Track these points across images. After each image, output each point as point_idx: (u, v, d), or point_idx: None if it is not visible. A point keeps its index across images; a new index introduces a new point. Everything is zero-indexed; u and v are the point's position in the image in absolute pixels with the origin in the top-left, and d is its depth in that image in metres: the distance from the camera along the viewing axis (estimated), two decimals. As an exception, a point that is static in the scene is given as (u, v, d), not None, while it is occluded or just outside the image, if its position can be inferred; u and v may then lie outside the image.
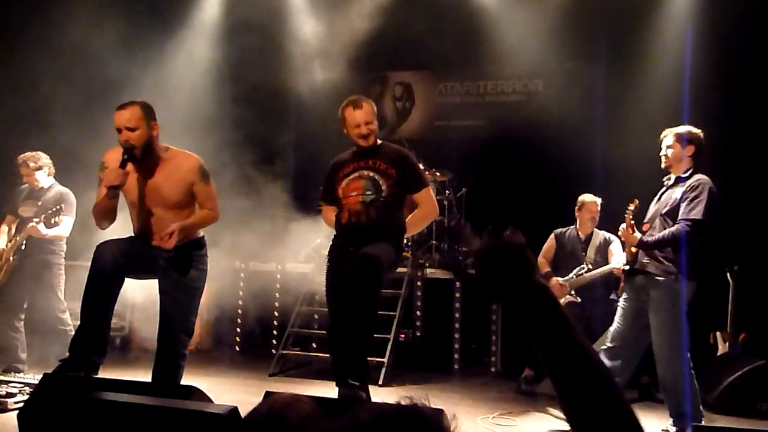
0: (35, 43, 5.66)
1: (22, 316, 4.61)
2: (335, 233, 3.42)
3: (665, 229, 3.43)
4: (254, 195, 5.70)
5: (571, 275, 4.84)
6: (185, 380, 3.42)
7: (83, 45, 5.67)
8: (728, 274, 5.04)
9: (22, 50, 5.63)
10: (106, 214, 3.09)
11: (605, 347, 3.59)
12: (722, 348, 4.98)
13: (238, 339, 6.17)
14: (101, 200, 3.05)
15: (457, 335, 5.62)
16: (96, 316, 2.91)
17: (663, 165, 3.55)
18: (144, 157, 3.05)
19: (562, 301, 4.73)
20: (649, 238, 3.43)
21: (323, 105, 6.46)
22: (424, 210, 3.42)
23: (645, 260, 3.49)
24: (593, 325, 4.47)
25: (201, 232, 3.27)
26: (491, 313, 5.69)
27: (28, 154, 4.64)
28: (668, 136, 3.53)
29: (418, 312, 5.80)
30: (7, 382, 3.86)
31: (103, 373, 3.18)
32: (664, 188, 3.62)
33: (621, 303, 3.68)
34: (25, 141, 5.02)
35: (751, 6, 5.80)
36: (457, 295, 5.70)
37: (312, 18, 7.34)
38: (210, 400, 2.54)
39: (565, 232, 5.09)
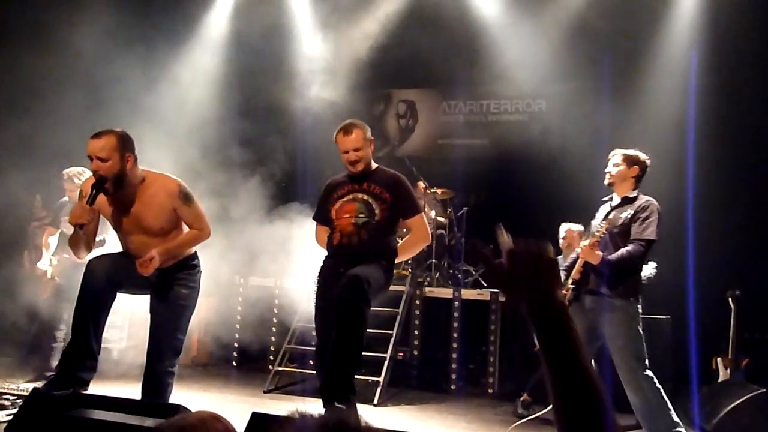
0: (35, 51, 5.74)
1: (63, 327, 4.72)
2: (326, 254, 3.42)
3: (615, 248, 3.44)
4: (254, 210, 5.72)
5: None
6: (181, 394, 3.42)
7: (94, 57, 5.76)
8: (730, 299, 4.97)
9: (26, 59, 5.72)
10: (80, 246, 3.06)
11: None
12: (723, 374, 4.91)
13: (235, 354, 6.15)
14: (72, 234, 3.02)
15: (454, 355, 5.58)
16: (87, 332, 2.89)
17: (606, 181, 3.60)
18: (116, 190, 2.97)
19: None
20: (611, 257, 3.41)
21: (328, 122, 6.49)
22: (416, 236, 3.43)
23: (595, 281, 3.48)
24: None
25: (193, 249, 3.25)
26: (489, 334, 5.65)
27: (74, 170, 4.69)
28: (616, 155, 3.57)
29: (415, 331, 5.76)
30: (1, 394, 3.86)
31: (99, 386, 3.18)
32: (609, 208, 3.61)
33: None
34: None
35: (755, 27, 5.79)
36: (456, 314, 5.67)
37: (318, 36, 7.41)
38: (196, 420, 2.53)
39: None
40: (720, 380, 4.87)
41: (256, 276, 6.17)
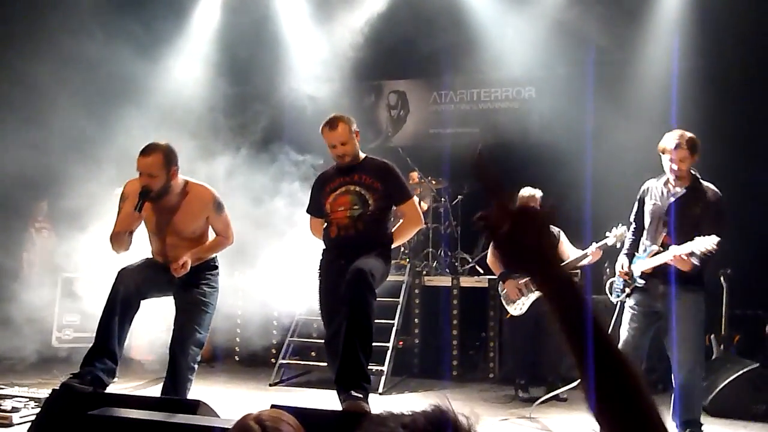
0: (27, 45, 5.72)
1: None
2: (324, 247, 3.49)
3: (685, 240, 3.35)
4: (248, 203, 5.74)
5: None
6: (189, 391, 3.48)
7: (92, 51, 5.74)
8: (721, 278, 5.10)
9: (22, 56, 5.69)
10: (122, 245, 3.24)
11: None
12: (717, 350, 5.05)
13: (237, 349, 6.19)
14: (119, 236, 3.19)
15: (455, 342, 5.67)
16: (111, 338, 3.04)
17: (675, 177, 3.47)
18: (160, 198, 3.24)
19: (523, 301, 4.76)
20: (698, 263, 3.34)
21: (318, 113, 6.49)
22: (409, 221, 3.51)
23: (670, 270, 3.41)
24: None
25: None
26: (488, 320, 5.74)
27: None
28: (682, 150, 3.39)
29: (416, 319, 5.84)
30: (12, 396, 3.89)
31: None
32: (674, 196, 3.50)
33: (632, 308, 3.57)
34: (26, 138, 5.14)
35: (738, 12, 5.89)
36: (455, 302, 5.75)
37: (309, 27, 7.40)
38: (216, 414, 2.59)
39: None
40: (714, 357, 5.02)
41: (255, 270, 6.20)
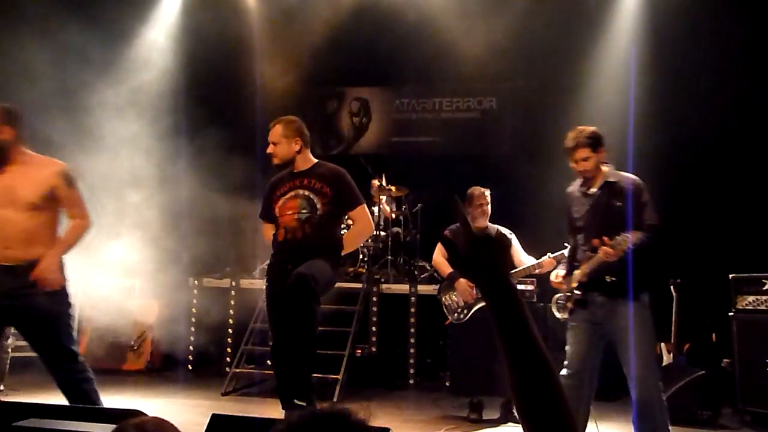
0: None
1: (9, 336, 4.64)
2: (272, 251, 3.47)
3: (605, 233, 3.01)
4: (208, 209, 5.65)
5: None
6: (137, 400, 3.34)
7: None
8: (671, 287, 5.21)
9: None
10: None
11: (565, 373, 3.13)
12: (667, 359, 5.15)
13: (190, 357, 6.05)
14: None
15: (412, 350, 5.65)
16: None
17: (584, 177, 3.21)
18: None
19: (463, 309, 4.54)
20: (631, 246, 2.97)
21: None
22: (359, 227, 3.51)
23: (607, 277, 3.09)
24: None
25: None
26: (446, 328, 5.73)
27: None
28: (582, 150, 3.12)
29: (373, 327, 5.81)
30: None
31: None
32: (591, 197, 3.21)
33: (574, 323, 3.22)
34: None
35: (693, 23, 6.03)
36: (413, 310, 5.74)
37: (270, 31, 7.34)
38: (154, 424, 2.49)
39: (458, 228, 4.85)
40: (663, 365, 5.11)
41: (210, 277, 6.10)
